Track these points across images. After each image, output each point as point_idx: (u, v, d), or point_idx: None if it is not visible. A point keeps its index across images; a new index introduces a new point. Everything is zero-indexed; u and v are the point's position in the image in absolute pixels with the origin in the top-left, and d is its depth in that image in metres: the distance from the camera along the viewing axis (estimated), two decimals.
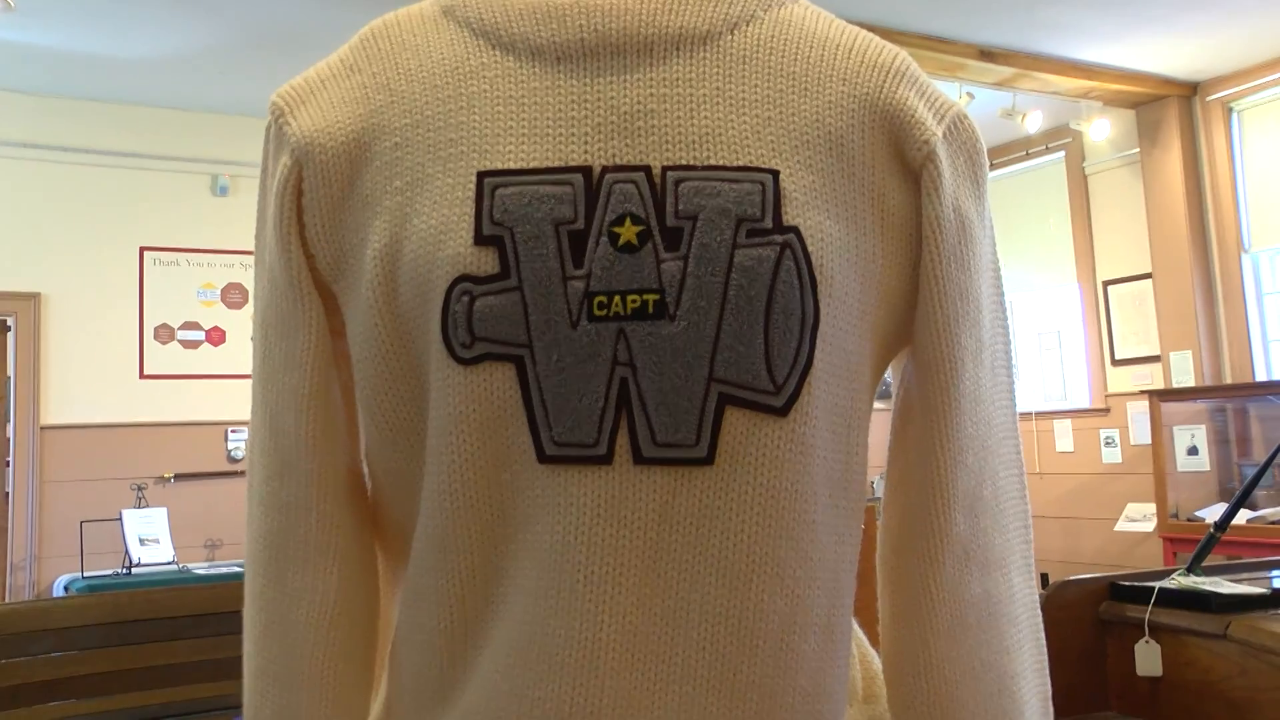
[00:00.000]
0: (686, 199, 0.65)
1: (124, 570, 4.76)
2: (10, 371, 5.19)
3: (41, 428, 5.12)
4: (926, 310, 0.71)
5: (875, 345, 0.72)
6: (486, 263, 0.65)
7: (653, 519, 0.65)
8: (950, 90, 5.08)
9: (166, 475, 5.28)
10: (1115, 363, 5.97)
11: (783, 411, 0.66)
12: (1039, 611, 0.79)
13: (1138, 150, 5.79)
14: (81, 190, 5.26)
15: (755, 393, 0.65)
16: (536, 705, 0.65)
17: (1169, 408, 5.38)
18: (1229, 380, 5.47)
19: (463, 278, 0.65)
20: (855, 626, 0.79)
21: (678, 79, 0.68)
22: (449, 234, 0.66)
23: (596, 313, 0.65)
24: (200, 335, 5.47)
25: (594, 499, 0.65)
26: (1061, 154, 6.21)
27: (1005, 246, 6.26)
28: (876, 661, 0.81)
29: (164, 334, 5.40)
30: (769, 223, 0.66)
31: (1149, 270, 5.74)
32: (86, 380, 5.22)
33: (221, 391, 5.41)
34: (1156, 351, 5.71)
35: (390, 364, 0.69)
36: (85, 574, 4.77)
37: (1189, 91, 5.60)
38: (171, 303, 5.42)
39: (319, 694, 0.71)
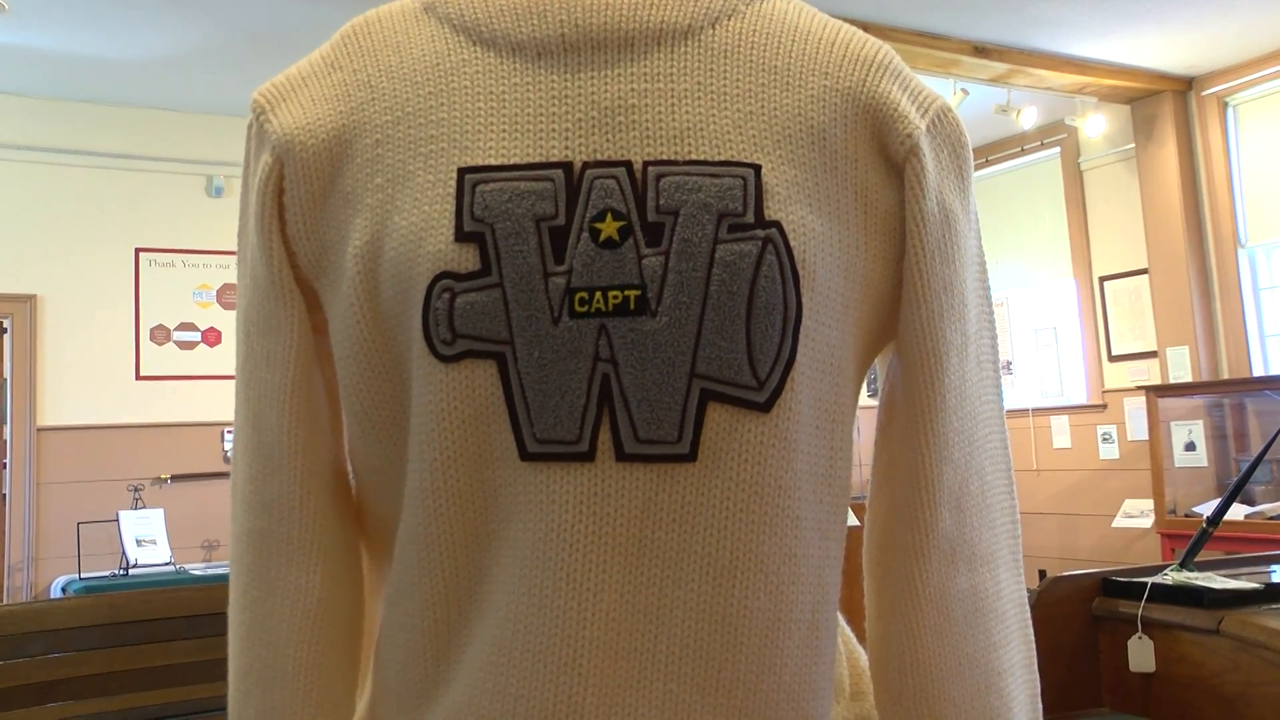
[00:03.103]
0: (668, 194, 0.65)
1: (121, 571, 4.76)
2: (7, 373, 5.18)
3: (38, 429, 5.12)
4: (911, 305, 0.71)
5: (859, 340, 0.72)
6: (467, 259, 0.65)
7: (635, 516, 0.65)
8: (944, 87, 5.08)
9: (163, 476, 5.28)
10: (1112, 359, 5.98)
11: (765, 407, 0.65)
12: (1027, 607, 0.79)
13: (1133, 146, 5.79)
14: (77, 192, 5.26)
15: (738, 388, 0.65)
16: (520, 703, 0.64)
17: (1166, 403, 5.39)
18: (1226, 375, 5.47)
19: (444, 274, 0.65)
20: (842, 623, 0.78)
21: (659, 74, 0.68)
22: (430, 231, 0.66)
23: (578, 309, 0.64)
24: (196, 336, 5.47)
25: (576, 496, 0.64)
26: (1056, 150, 6.21)
27: (1000, 243, 6.31)
28: (863, 658, 0.81)
29: (160, 335, 5.40)
30: (751, 217, 0.65)
31: (1145, 266, 5.74)
32: (83, 382, 5.21)
33: (217, 392, 5.40)
34: (1153, 347, 5.71)
35: (372, 361, 0.68)
36: (83, 575, 4.77)
37: (1184, 86, 5.60)
38: (167, 304, 5.42)
39: (302, 693, 0.71)
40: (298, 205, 0.70)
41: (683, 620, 0.65)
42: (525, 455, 0.65)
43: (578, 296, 0.64)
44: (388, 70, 0.70)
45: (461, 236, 0.65)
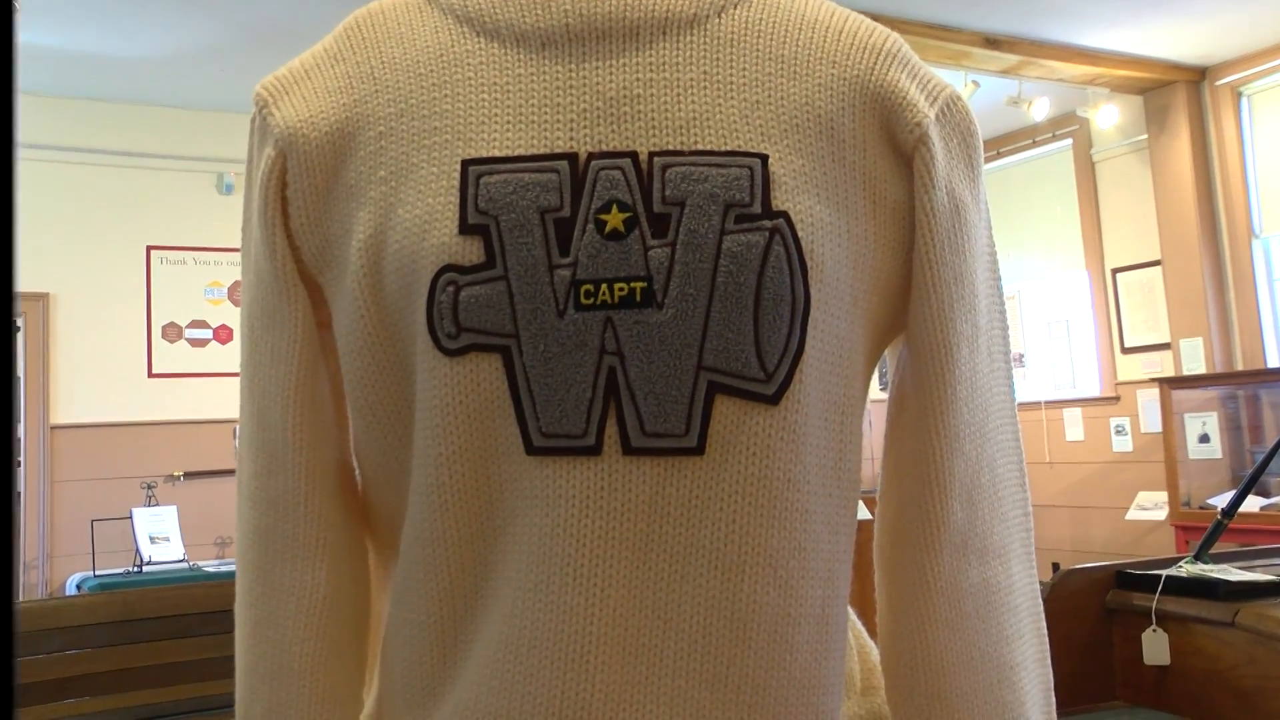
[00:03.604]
0: (674, 185, 0.64)
1: (135, 569, 4.78)
2: (20, 371, 5.20)
3: (51, 427, 5.14)
4: (921, 295, 0.70)
5: (869, 332, 0.71)
6: (472, 252, 0.64)
7: (643, 510, 0.64)
8: (955, 78, 5.05)
9: (176, 473, 5.30)
10: (1125, 350, 5.94)
11: (774, 399, 0.65)
12: (1040, 601, 0.78)
13: (1145, 136, 5.75)
14: (88, 190, 5.28)
15: (745, 381, 0.64)
16: (527, 700, 0.64)
17: (1180, 395, 5.35)
18: (1240, 367, 5.43)
19: (448, 267, 0.64)
20: (853, 617, 0.78)
21: (664, 63, 0.67)
22: (434, 223, 0.65)
23: (583, 301, 0.64)
24: (208, 333, 5.49)
25: (583, 490, 0.64)
26: (1069, 141, 6.17)
27: (1012, 235, 6.28)
28: (875, 653, 0.80)
29: (172, 332, 5.42)
30: (758, 208, 0.65)
31: (1158, 257, 5.71)
32: (95, 379, 5.23)
33: (229, 389, 5.42)
34: (1166, 339, 5.68)
35: (376, 356, 0.68)
36: (97, 572, 4.79)
37: (1197, 76, 5.56)
38: (179, 301, 5.43)
39: (308, 691, 0.70)
40: (301, 199, 0.69)
41: (691, 615, 0.64)
42: (531, 449, 0.64)
43: (583, 289, 0.64)
44: (391, 62, 0.70)
45: (466, 229, 0.64)
